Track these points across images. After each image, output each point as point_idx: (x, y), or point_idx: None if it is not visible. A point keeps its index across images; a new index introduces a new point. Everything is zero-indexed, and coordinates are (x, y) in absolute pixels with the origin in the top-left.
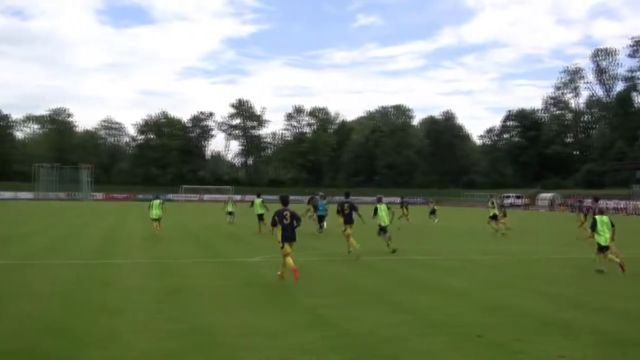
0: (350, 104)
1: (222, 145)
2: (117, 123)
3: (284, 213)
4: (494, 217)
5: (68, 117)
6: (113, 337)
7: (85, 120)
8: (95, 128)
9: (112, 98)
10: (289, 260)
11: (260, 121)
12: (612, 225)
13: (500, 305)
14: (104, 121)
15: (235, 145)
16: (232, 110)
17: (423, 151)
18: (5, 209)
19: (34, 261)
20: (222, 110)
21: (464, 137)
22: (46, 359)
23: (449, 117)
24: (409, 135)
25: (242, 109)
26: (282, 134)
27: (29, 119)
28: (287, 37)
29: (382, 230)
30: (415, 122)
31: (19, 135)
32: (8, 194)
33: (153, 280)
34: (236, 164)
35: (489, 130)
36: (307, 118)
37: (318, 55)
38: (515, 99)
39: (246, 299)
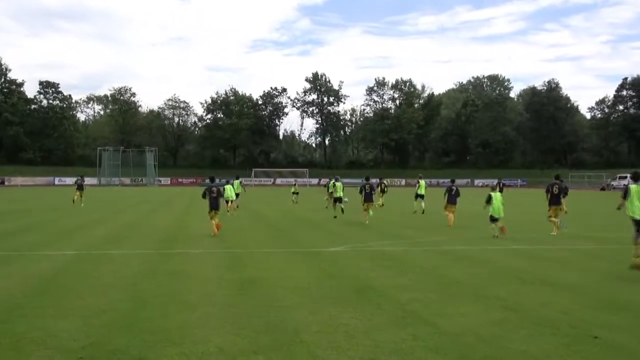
0: (438, 74)
1: (296, 124)
2: (183, 102)
3: (212, 188)
4: None
5: (131, 97)
6: (184, 332)
7: (149, 99)
8: (161, 108)
9: (177, 75)
10: (214, 221)
11: (337, 96)
12: None
13: (619, 302)
14: (170, 100)
15: (310, 124)
16: (307, 85)
17: (523, 127)
18: (69, 196)
19: (99, 251)
20: (296, 86)
21: (571, 110)
22: (114, 356)
23: (552, 88)
24: (506, 109)
25: (318, 83)
26: (362, 110)
27: (91, 99)
28: (366, 2)
29: (493, 220)
30: (514, 94)
31: (81, 117)
32: (70, 180)
33: (226, 272)
34: (312, 144)
35: (600, 102)
36: (390, 92)
37: (401, 21)
38: (631, 65)
39: (328, 293)
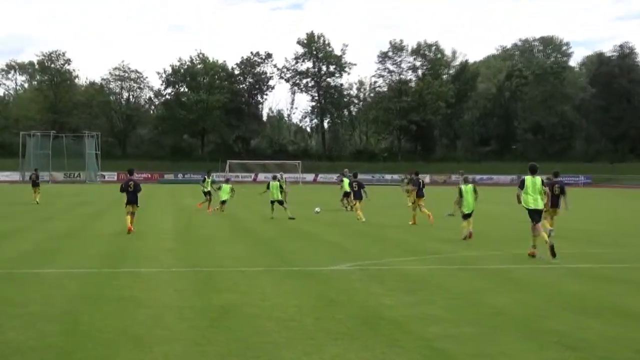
0: (473, 37)
1: (285, 101)
2: (134, 72)
3: (129, 183)
4: None
5: (65, 65)
6: None
7: (89, 69)
8: (105, 79)
9: (127, 36)
10: (129, 217)
11: (340, 65)
12: None
13: None
14: (117, 69)
15: (304, 102)
16: (300, 50)
17: (586, 106)
18: None
19: (24, 270)
20: (284, 51)
21: None
22: None
23: (625, 54)
24: (564, 82)
25: (314, 47)
26: (373, 83)
27: (11, 68)
28: None
29: (466, 217)
30: (574, 62)
31: None
32: None
33: (193, 298)
34: (305, 128)
35: None
36: (409, 59)
37: None
38: None
39: (328, 326)
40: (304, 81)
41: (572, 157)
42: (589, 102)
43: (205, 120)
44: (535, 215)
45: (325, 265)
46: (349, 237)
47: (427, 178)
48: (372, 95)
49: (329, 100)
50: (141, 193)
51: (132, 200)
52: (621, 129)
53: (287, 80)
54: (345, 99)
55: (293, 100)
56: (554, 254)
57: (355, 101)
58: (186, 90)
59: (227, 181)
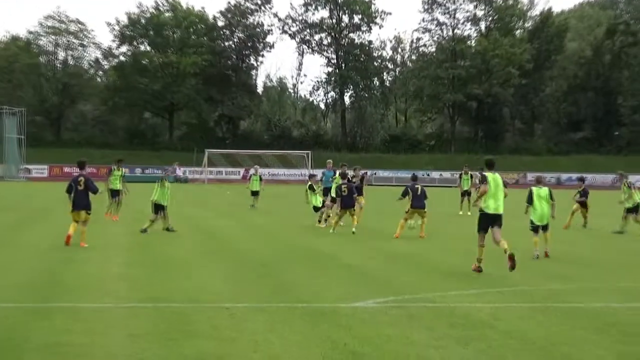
0: None
1: (290, 66)
2: (75, 22)
3: (79, 180)
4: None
5: None
6: None
7: (10, 19)
8: (32, 33)
9: None
10: (74, 227)
11: (368, 15)
12: None
13: None
14: (49, 19)
15: (317, 67)
16: None
17: None
18: None
19: None
20: None
21: None
22: None
23: None
24: None
25: None
26: (415, 41)
27: None
28: None
29: (535, 230)
30: None
31: None
32: None
33: (155, 346)
34: (319, 104)
35: None
36: (468, 7)
37: None
38: None
39: None
40: (317, 37)
41: None
42: None
43: (176, 91)
44: (491, 221)
45: (344, 300)
46: (376, 260)
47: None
48: (414, 58)
49: (353, 64)
50: (95, 194)
51: (82, 205)
52: None
53: (293, 36)
54: (375, 64)
55: (301, 64)
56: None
57: (390, 66)
58: (149, 49)
59: (165, 178)
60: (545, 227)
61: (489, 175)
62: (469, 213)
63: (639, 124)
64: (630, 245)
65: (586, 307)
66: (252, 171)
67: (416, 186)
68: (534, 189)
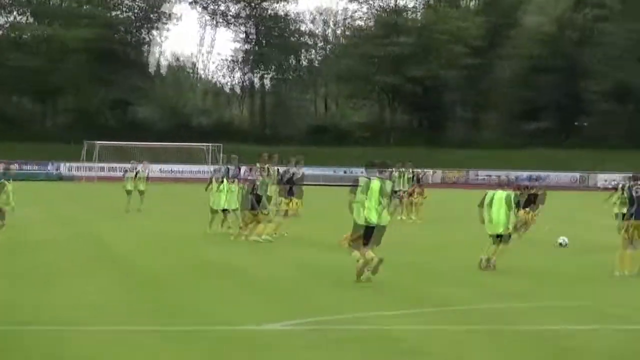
0: None
1: (194, 42)
2: None
3: None
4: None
5: None
6: None
7: None
8: None
9: None
10: None
11: None
12: None
13: None
14: None
15: (228, 43)
16: None
17: None
18: None
19: None
20: None
21: None
22: None
23: None
24: None
25: None
26: (344, 13)
27: None
28: None
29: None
30: None
31: None
32: None
33: None
34: (231, 88)
35: None
36: None
37: None
38: None
39: None
40: (231, 8)
41: None
42: None
43: (59, 71)
44: (365, 233)
45: (253, 322)
46: (291, 274)
47: (437, 176)
48: (347, 34)
49: (274, 41)
50: None
51: None
52: None
53: (194, 3)
54: (298, 39)
55: (202, 40)
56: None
57: (320, 44)
58: (26, 19)
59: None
60: (501, 238)
61: (362, 180)
62: (404, 217)
63: (609, 113)
64: (590, 258)
65: (538, 329)
66: (139, 167)
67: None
68: (489, 192)
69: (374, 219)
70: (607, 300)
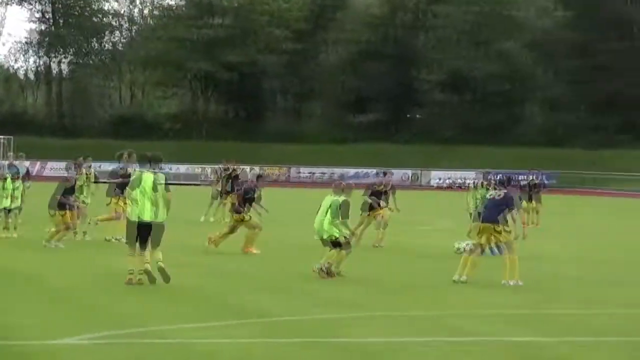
0: None
1: None
2: None
3: None
4: None
5: None
6: None
7: None
8: None
9: None
10: None
11: None
12: None
13: None
14: None
15: (17, 24)
16: None
17: (552, 43)
18: None
19: None
20: None
21: None
22: None
23: None
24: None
25: None
26: None
27: None
28: None
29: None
30: None
31: None
32: None
33: None
34: (24, 71)
35: None
36: None
37: None
38: None
39: None
40: None
41: (522, 136)
42: (557, 38)
43: None
44: (138, 231)
45: (47, 336)
46: (95, 281)
47: (247, 171)
48: (154, 13)
49: (70, 20)
50: None
51: None
52: (613, 88)
53: None
54: (100, 20)
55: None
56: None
57: (124, 24)
58: None
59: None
60: (325, 242)
61: (137, 173)
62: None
63: (441, 104)
64: (435, 265)
65: (361, 342)
66: None
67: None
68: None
69: (147, 216)
70: (443, 309)
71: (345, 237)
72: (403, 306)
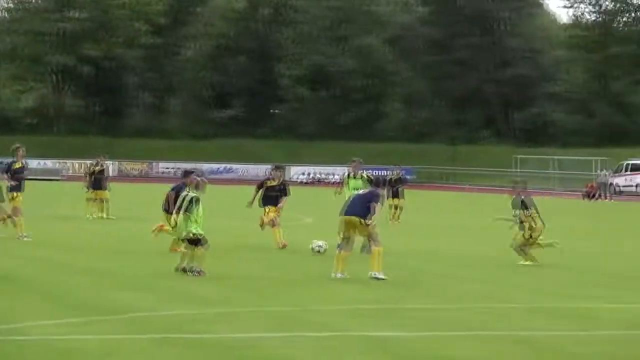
0: None
1: None
2: None
3: None
4: None
5: None
6: None
7: None
8: None
9: None
10: None
11: None
12: None
13: None
14: None
15: None
16: None
17: (410, 39)
18: None
19: None
20: None
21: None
22: None
23: None
24: None
25: None
26: None
27: None
28: None
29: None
30: None
31: None
32: None
33: None
34: None
35: None
36: None
37: None
38: None
39: None
40: None
41: (383, 131)
42: (417, 34)
43: None
44: None
45: None
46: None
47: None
48: (10, 6)
49: None
50: None
51: None
52: (473, 83)
53: None
54: None
55: None
56: None
57: None
58: None
59: None
60: (194, 242)
61: None
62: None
63: (302, 100)
64: (299, 261)
65: (220, 337)
66: None
67: None
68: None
69: None
70: (306, 305)
71: (200, 233)
72: (266, 302)
